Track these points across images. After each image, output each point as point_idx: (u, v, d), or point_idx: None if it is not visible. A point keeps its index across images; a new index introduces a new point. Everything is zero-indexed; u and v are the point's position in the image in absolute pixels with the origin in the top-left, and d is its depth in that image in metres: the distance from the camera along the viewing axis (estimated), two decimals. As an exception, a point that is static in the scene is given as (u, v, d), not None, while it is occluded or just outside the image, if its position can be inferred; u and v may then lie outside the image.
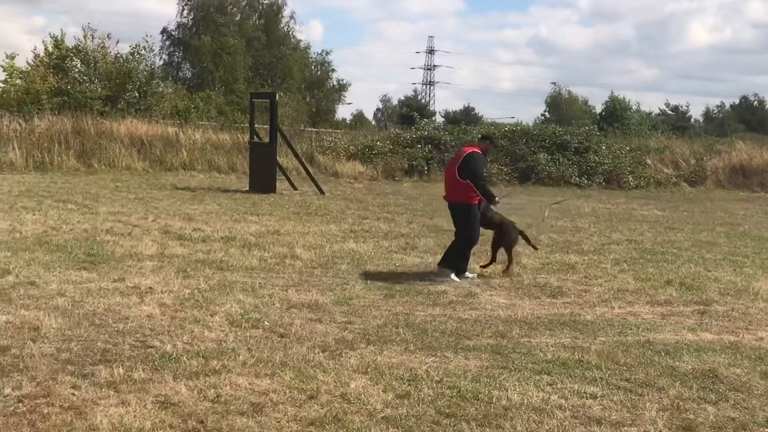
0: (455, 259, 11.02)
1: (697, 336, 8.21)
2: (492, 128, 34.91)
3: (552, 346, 7.51)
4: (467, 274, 11.11)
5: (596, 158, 32.60)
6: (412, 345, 7.32)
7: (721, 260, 13.37)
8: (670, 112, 74.41)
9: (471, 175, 10.84)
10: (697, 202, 27.04)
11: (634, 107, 67.21)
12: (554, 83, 72.56)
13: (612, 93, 68.51)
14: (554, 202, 18.55)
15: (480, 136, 12.87)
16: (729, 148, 37.45)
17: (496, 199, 11.19)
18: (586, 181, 31.63)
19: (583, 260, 12.78)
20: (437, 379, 6.31)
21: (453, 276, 10.85)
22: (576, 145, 33.04)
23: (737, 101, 78.08)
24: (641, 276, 11.50)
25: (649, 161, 34.62)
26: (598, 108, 69.36)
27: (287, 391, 5.92)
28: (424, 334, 7.73)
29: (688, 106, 78.07)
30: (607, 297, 10.01)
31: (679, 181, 33.55)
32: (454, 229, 11.33)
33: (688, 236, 16.60)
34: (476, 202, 11.01)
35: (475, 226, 11.08)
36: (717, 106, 78.67)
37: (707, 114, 77.44)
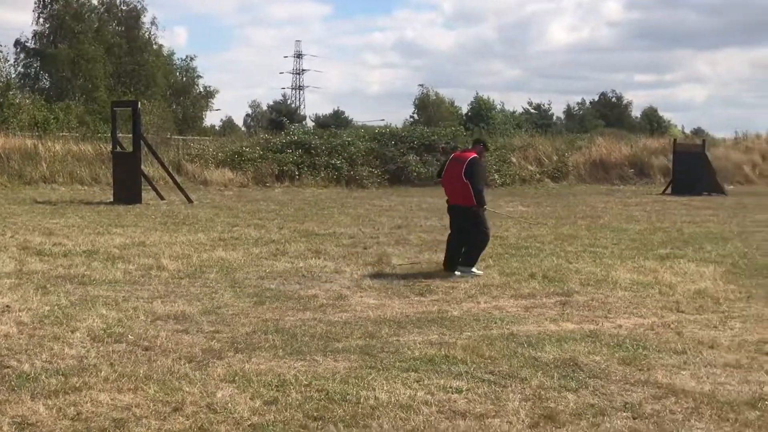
0: (476, 257, 11.78)
1: (559, 326, 8.47)
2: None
3: (420, 343, 7.61)
4: (474, 270, 11.62)
5: (463, 158, 33.21)
6: (281, 351, 7.28)
7: (582, 252, 13.85)
8: (533, 110, 76.52)
9: (474, 180, 11.61)
10: (560, 197, 27.94)
11: (498, 107, 68.95)
12: (421, 85, 74.01)
13: (477, 93, 69.93)
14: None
15: (474, 140, 13.17)
16: (589, 144, 38.87)
17: (485, 206, 11.87)
18: (454, 181, 32.17)
19: (451, 258, 12.98)
20: (306, 383, 6.29)
21: (475, 270, 11.59)
22: (443, 145, 33.58)
23: (596, 98, 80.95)
24: (506, 271, 11.78)
25: (513, 159, 35.55)
26: (465, 108, 70.78)
27: (151, 404, 5.79)
28: (293, 339, 7.70)
29: (550, 104, 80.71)
30: (474, 293, 10.21)
31: (543, 178, 34.60)
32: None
33: (550, 230, 17.12)
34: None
35: (487, 222, 11.93)
36: (578, 104, 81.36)
37: (569, 111, 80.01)
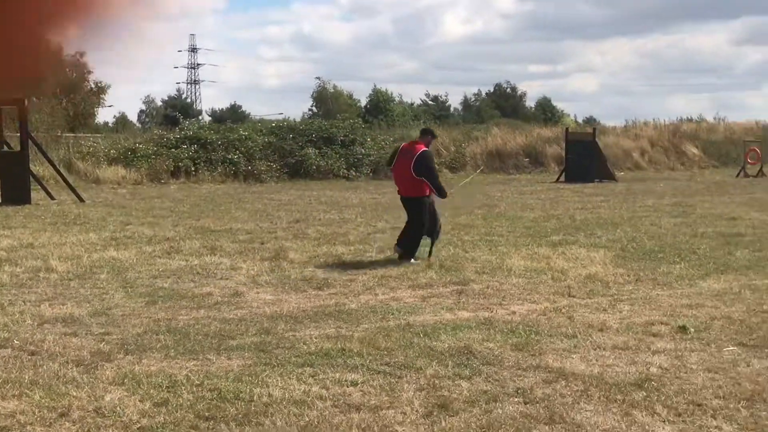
0: (415, 246, 12.04)
1: (455, 315, 8.55)
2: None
3: (316, 338, 7.57)
4: (413, 260, 11.80)
5: (362, 150, 33.30)
6: (173, 351, 7.13)
7: (478, 241, 14.02)
8: (430, 102, 77.12)
9: (427, 173, 11.93)
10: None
11: (396, 99, 69.20)
12: (319, 78, 73.73)
13: (375, 86, 70.01)
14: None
15: (421, 131, 13.14)
16: (486, 134, 39.40)
17: (448, 194, 12.25)
18: (354, 173, 32.24)
19: (350, 250, 13.00)
20: (197, 382, 6.18)
21: (412, 260, 11.80)
22: (342, 138, 33.59)
23: (492, 89, 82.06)
24: (403, 262, 11.82)
25: (411, 151, 35.75)
26: (363, 101, 70.87)
27: (36, 410, 5.59)
28: (186, 339, 7.55)
29: (447, 96, 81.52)
30: (372, 284, 10.22)
31: (441, 168, 34.79)
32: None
33: (448, 220, 17.25)
34: (428, 193, 12.10)
35: (427, 215, 12.12)
36: (474, 95, 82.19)
37: (465, 102, 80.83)
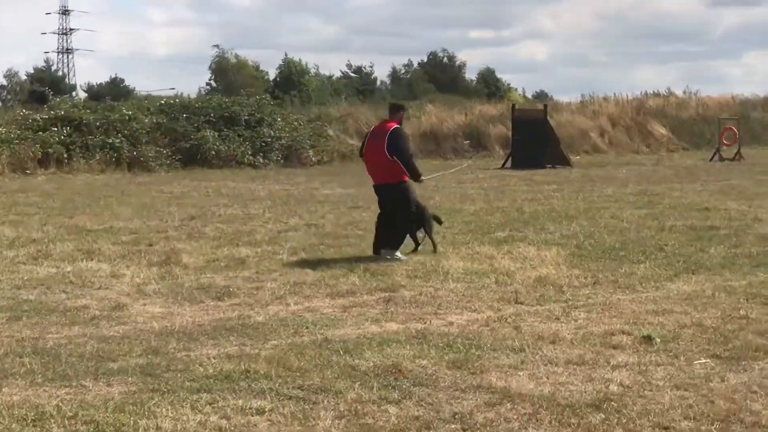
0: (401, 238, 12.58)
1: (382, 327, 8.59)
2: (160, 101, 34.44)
3: (215, 357, 7.53)
4: (397, 254, 12.36)
5: (271, 132, 33.22)
6: (40, 376, 7.02)
7: (409, 239, 14.09)
8: (353, 74, 77.39)
9: (399, 152, 12.39)
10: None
11: (312, 71, 69.20)
12: (217, 46, 73.03)
13: (287, 55, 69.80)
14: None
15: (391, 105, 13.70)
16: (418, 113, 39.62)
17: (422, 177, 12.87)
18: (261, 160, 32.14)
19: (256, 252, 12.98)
20: (70, 414, 6.09)
21: (398, 254, 12.32)
22: (247, 117, 33.48)
23: (425, 59, 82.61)
24: (321, 265, 11.84)
25: (331, 132, 35.87)
26: (272, 73, 70.68)
27: None
28: (56, 362, 7.44)
29: (372, 67, 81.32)
30: (282, 293, 10.22)
31: (365, 154, 35.03)
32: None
33: (374, 215, 17.30)
34: (406, 177, 12.61)
35: (411, 201, 12.64)
36: (404, 66, 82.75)
37: (394, 74, 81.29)
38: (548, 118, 33.72)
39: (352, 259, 12.33)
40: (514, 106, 37.23)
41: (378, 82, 78.97)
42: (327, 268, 11.65)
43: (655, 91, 51.62)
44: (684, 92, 50.69)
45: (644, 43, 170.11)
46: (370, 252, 12.79)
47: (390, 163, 12.45)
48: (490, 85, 76.84)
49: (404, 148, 12.59)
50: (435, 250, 12.72)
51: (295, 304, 9.68)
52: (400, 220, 12.59)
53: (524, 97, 71.15)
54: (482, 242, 13.71)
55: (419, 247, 12.93)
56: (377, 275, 11.15)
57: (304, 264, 11.98)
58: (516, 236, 14.34)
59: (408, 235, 12.78)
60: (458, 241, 13.81)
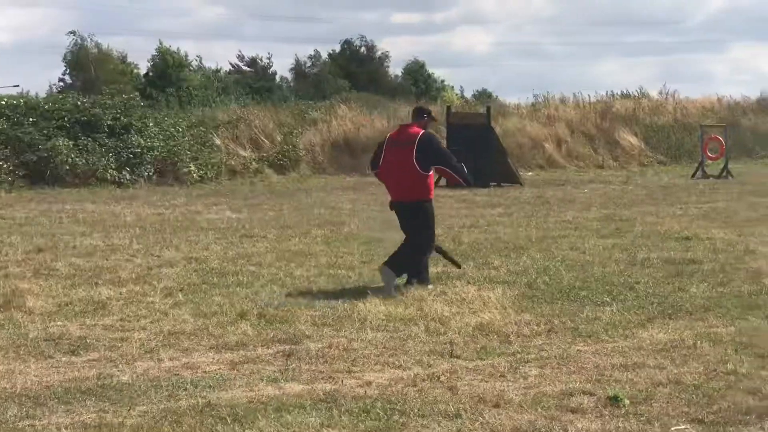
0: (408, 265, 13.50)
1: (280, 389, 8.59)
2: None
3: (67, 428, 7.48)
4: (429, 286, 13.31)
5: (142, 141, 32.99)
6: None
7: (317, 276, 14.15)
8: (246, 67, 77.19)
9: (442, 158, 13.46)
10: (288, 197, 28.34)
11: (194, 63, 68.93)
12: (74, 33, 71.85)
13: (161, 43, 69.39)
14: None
15: (415, 110, 14.27)
16: (328, 116, 39.67)
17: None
18: (128, 176, 31.89)
19: (120, 294, 12.91)
20: None
21: (395, 281, 13.17)
22: (111, 122, 33.18)
23: (338, 48, 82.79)
24: (204, 310, 11.81)
25: (218, 141, 35.69)
26: (143, 67, 70.20)
27: None
28: None
29: (270, 59, 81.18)
30: (154, 345, 10.17)
31: (262, 167, 35.02)
32: None
33: (272, 246, 17.32)
34: (432, 196, 13.56)
35: (432, 223, 13.70)
36: (310, 57, 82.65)
37: (298, 68, 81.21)
38: (492, 124, 33.96)
39: (243, 301, 12.28)
40: (449, 108, 37.48)
41: (277, 78, 78.86)
42: (211, 313, 11.61)
43: (624, 92, 52.27)
44: (659, 93, 51.35)
45: (610, 31, 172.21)
46: (267, 293, 12.78)
47: (418, 177, 13.19)
48: (419, 83, 77.29)
49: (444, 152, 13.70)
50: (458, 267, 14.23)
51: (170, 360, 9.62)
52: (418, 241, 13.45)
53: (462, 97, 71.58)
54: (409, 280, 13.73)
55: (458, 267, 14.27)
56: (275, 322, 11.14)
57: (181, 308, 11.90)
58: (451, 273, 14.40)
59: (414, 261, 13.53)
60: (379, 280, 13.84)
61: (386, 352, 9.90)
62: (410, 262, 13.50)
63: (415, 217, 13.44)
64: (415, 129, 13.43)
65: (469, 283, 13.56)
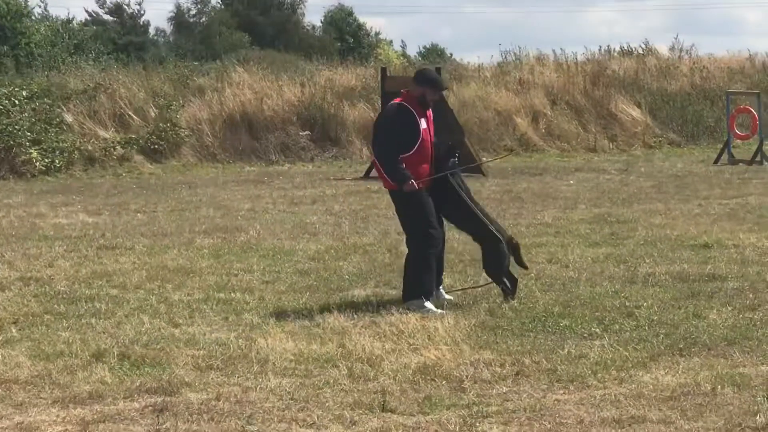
0: (415, 281, 13.93)
1: (149, 457, 8.58)
2: None
3: None
4: (444, 294, 14.20)
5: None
6: None
7: (203, 302, 14.09)
8: (108, 16, 77.00)
9: (375, 146, 14.33)
10: (164, 193, 28.27)
11: (37, 11, 68.57)
12: None
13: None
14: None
15: (415, 74, 14.70)
16: (221, 83, 39.56)
17: (413, 181, 13.94)
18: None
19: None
20: None
21: (428, 304, 13.62)
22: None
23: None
24: (46, 349, 11.77)
25: (69, 118, 35.51)
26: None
27: None
28: None
29: (140, 5, 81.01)
30: (-23, 399, 10.11)
31: (130, 153, 34.82)
32: None
33: (141, 261, 17.24)
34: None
35: (421, 218, 14.04)
36: (195, 2, 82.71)
37: (179, 18, 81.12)
38: (444, 92, 33.95)
39: (100, 336, 12.23)
40: (384, 71, 37.06)
41: (152, 31, 78.67)
42: (56, 354, 11.54)
43: (624, 46, 52.37)
44: (671, 49, 51.53)
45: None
46: (132, 325, 12.75)
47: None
48: (345, 36, 77.35)
49: (378, 133, 13.94)
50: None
51: (1, 419, 9.55)
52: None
53: (403, 55, 71.80)
54: (327, 306, 13.71)
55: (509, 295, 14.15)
56: (143, 365, 11.10)
57: (14, 347, 11.83)
58: (386, 295, 14.40)
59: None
60: (286, 305, 13.84)
61: (294, 404, 9.86)
62: (412, 278, 13.89)
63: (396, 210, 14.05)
64: (396, 100, 13.83)
65: (409, 309, 13.53)
